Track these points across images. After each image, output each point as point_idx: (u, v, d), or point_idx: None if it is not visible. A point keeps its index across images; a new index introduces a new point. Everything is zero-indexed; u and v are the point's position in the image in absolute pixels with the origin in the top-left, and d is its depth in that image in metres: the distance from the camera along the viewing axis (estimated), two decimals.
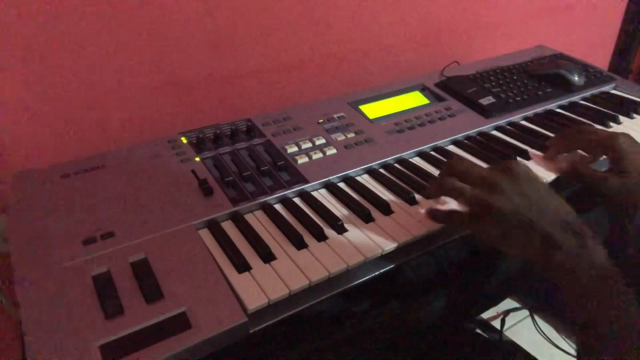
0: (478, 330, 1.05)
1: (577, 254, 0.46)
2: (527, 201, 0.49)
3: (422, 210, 0.58)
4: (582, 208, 0.74)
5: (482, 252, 0.66)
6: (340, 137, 0.74)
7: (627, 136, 0.65)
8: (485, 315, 1.14)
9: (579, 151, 0.71)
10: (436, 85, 0.92)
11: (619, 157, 0.63)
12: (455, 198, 0.53)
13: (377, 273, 0.53)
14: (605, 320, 0.43)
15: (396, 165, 0.71)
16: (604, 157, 0.67)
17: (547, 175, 0.68)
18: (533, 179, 0.52)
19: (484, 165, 0.70)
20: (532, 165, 0.71)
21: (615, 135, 0.65)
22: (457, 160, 0.56)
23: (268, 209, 0.60)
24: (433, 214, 0.56)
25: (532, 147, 0.75)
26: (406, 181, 0.66)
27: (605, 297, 0.44)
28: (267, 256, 0.52)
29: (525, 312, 1.18)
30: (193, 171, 0.64)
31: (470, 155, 0.74)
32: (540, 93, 0.91)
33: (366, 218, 0.59)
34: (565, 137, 0.71)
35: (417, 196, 0.62)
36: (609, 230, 0.80)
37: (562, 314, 1.13)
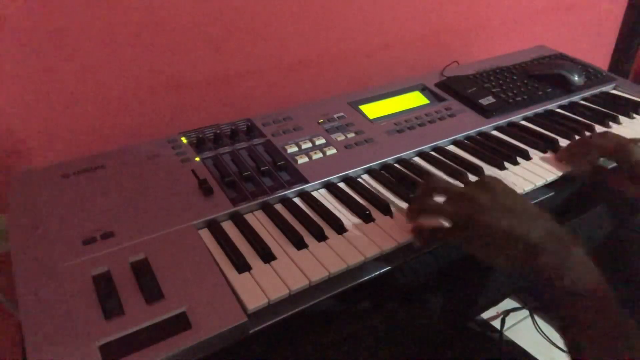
0: (478, 330, 1.05)
1: (562, 258, 0.46)
2: (507, 212, 0.50)
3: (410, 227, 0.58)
4: (578, 210, 0.74)
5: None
6: (340, 137, 0.74)
7: (636, 142, 0.66)
8: (485, 315, 1.14)
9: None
10: (436, 85, 0.92)
11: (633, 165, 0.64)
12: (437, 215, 0.54)
13: (377, 273, 0.53)
14: (592, 324, 0.43)
15: (396, 165, 0.71)
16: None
17: (547, 176, 0.68)
18: (510, 191, 0.53)
19: (483, 164, 0.70)
20: (532, 164, 0.71)
21: (628, 142, 0.66)
22: (433, 179, 0.57)
23: (268, 209, 0.60)
24: (417, 232, 0.56)
25: (532, 147, 0.75)
26: (406, 181, 0.66)
27: (593, 303, 0.44)
28: (267, 256, 0.52)
29: (525, 312, 1.18)
30: (193, 171, 0.64)
31: (470, 155, 0.74)
32: (540, 93, 0.90)
33: (366, 218, 0.59)
34: (580, 143, 0.72)
35: (393, 209, 0.61)
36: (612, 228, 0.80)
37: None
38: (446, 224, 0.53)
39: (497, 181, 0.54)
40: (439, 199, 0.54)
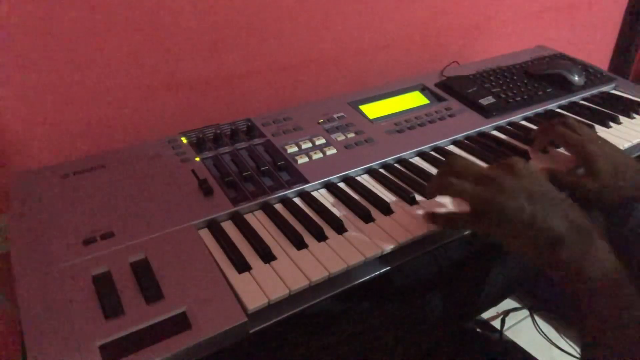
0: (478, 330, 1.05)
1: (583, 251, 0.45)
2: (530, 197, 0.48)
3: (421, 212, 0.58)
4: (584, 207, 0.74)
5: (482, 251, 0.66)
6: (340, 137, 0.74)
7: (594, 140, 0.65)
8: (485, 315, 1.14)
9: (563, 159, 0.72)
10: (436, 85, 0.92)
11: (590, 161, 0.63)
12: (456, 196, 0.52)
13: (377, 273, 0.53)
14: (614, 318, 0.43)
15: (396, 165, 0.71)
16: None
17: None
18: (535, 175, 0.51)
19: (483, 164, 0.70)
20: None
21: (583, 141, 0.65)
22: (456, 158, 0.55)
23: (268, 209, 0.60)
24: (433, 218, 0.55)
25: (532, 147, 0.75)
26: (406, 181, 0.66)
27: (614, 295, 0.43)
28: (267, 256, 0.52)
29: (525, 312, 1.18)
30: (193, 171, 0.64)
31: (470, 155, 0.74)
32: (540, 93, 0.91)
33: (366, 218, 0.59)
34: (544, 131, 0.72)
35: (418, 197, 0.62)
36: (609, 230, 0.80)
37: (562, 314, 1.13)
38: (465, 206, 0.52)
39: (524, 164, 0.52)
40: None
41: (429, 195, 0.55)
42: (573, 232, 0.46)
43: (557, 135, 0.69)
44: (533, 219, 0.47)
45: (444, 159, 0.71)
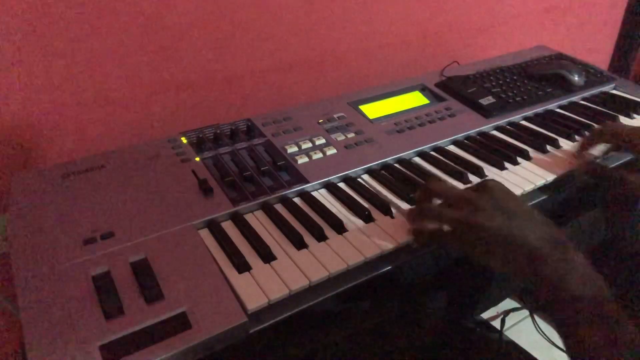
0: (478, 330, 1.05)
1: (563, 266, 0.46)
2: (507, 216, 0.49)
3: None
4: (578, 210, 0.74)
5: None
6: (340, 137, 0.74)
7: None
8: (485, 315, 1.14)
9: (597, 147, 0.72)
10: (436, 85, 0.92)
11: None
12: (436, 221, 0.53)
13: (377, 273, 0.53)
14: (597, 333, 0.43)
15: (396, 165, 0.71)
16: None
17: (546, 176, 0.68)
18: (510, 195, 0.53)
19: (483, 164, 0.70)
20: (532, 165, 0.71)
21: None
22: (433, 182, 0.57)
23: (268, 209, 0.60)
24: (416, 234, 0.55)
25: (532, 147, 0.75)
26: (406, 181, 0.66)
27: (596, 310, 0.44)
28: (267, 256, 0.52)
29: (525, 312, 1.18)
30: (193, 171, 0.64)
31: (470, 155, 0.74)
32: (540, 93, 0.90)
33: (366, 218, 0.59)
34: (598, 131, 0.72)
35: (394, 210, 0.61)
36: (608, 231, 0.80)
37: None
38: (446, 227, 0.53)
39: (497, 184, 0.54)
40: (439, 201, 0.54)
41: (411, 222, 0.55)
42: (552, 247, 0.47)
43: (611, 128, 0.70)
44: (511, 236, 0.48)
45: (443, 160, 0.71)
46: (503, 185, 0.54)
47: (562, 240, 0.48)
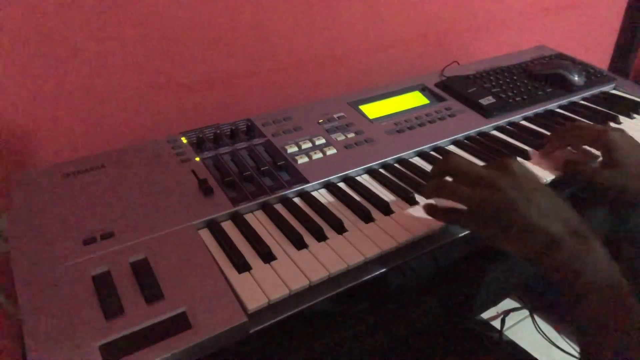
0: (478, 330, 1.05)
1: (581, 254, 0.45)
2: (526, 199, 0.48)
3: (420, 208, 0.58)
4: (578, 210, 0.74)
5: (481, 251, 0.66)
6: (340, 137, 0.74)
7: (619, 130, 0.65)
8: (485, 315, 1.14)
9: (576, 151, 0.72)
10: (436, 85, 0.92)
11: (609, 150, 0.63)
12: (452, 199, 0.52)
13: (377, 273, 0.53)
14: (612, 322, 0.42)
15: (396, 165, 0.71)
16: (598, 153, 0.67)
17: (545, 176, 0.68)
18: (531, 176, 0.51)
19: (483, 164, 0.70)
20: (531, 165, 0.71)
21: (606, 129, 0.65)
22: (451, 158, 0.55)
23: (268, 209, 0.60)
24: (432, 211, 0.55)
25: (532, 147, 0.75)
26: (406, 181, 0.66)
27: (612, 300, 0.43)
28: (267, 256, 0.52)
29: (525, 312, 1.18)
30: (193, 171, 0.64)
31: (470, 155, 0.74)
32: (540, 93, 0.91)
33: (366, 218, 0.59)
34: (559, 134, 0.72)
35: (418, 197, 0.62)
36: (610, 230, 0.80)
37: (563, 314, 1.13)
38: (462, 206, 0.52)
39: (517, 163, 0.51)
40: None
41: (427, 196, 0.55)
42: (571, 234, 0.46)
43: (576, 129, 0.69)
44: (529, 219, 0.46)
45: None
46: (523, 164, 0.52)
47: (581, 228, 0.47)
